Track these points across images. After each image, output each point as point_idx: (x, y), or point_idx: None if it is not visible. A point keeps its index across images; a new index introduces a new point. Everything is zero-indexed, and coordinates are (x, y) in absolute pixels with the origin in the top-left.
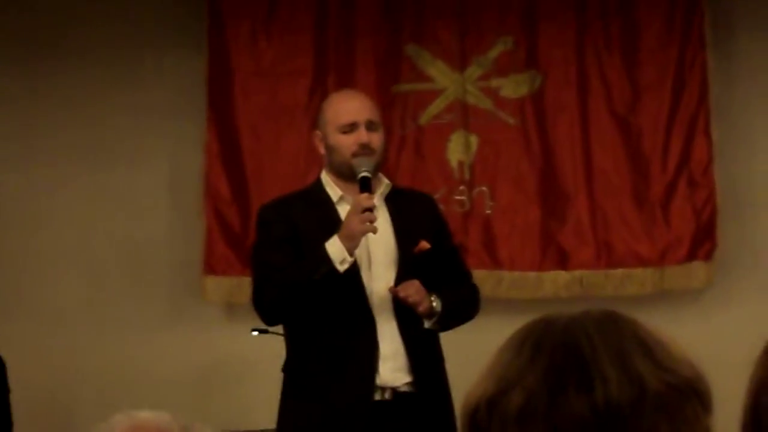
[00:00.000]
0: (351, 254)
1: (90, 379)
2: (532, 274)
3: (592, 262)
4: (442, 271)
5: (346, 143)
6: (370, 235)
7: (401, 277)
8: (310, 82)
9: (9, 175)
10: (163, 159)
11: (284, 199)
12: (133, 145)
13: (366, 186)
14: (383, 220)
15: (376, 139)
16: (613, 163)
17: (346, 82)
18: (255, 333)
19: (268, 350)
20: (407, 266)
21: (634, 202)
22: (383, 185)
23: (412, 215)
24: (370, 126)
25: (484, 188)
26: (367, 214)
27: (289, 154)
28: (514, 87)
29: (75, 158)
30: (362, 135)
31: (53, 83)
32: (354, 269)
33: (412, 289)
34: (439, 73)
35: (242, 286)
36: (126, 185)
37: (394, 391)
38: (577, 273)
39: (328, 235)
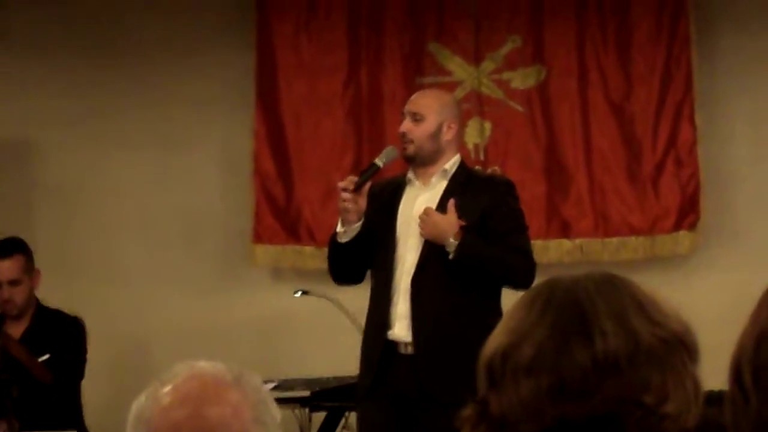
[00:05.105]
0: (344, 226)
1: (151, 333)
2: (538, 242)
3: (591, 232)
4: None
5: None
6: (414, 213)
7: (427, 251)
8: (344, 75)
9: (84, 154)
10: (217, 141)
11: (389, 179)
12: (190, 130)
13: (364, 171)
14: (430, 200)
15: (415, 130)
16: (609, 144)
17: (376, 76)
18: (297, 294)
19: (308, 309)
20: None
21: (628, 178)
22: (440, 171)
23: (465, 197)
24: (413, 116)
25: (496, 168)
26: (343, 194)
27: (327, 138)
28: (522, 79)
29: (141, 140)
30: (403, 124)
31: (121, 74)
32: (393, 241)
33: (428, 221)
34: (458, 67)
35: (286, 252)
36: (184, 164)
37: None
38: (578, 241)
39: (386, 211)
